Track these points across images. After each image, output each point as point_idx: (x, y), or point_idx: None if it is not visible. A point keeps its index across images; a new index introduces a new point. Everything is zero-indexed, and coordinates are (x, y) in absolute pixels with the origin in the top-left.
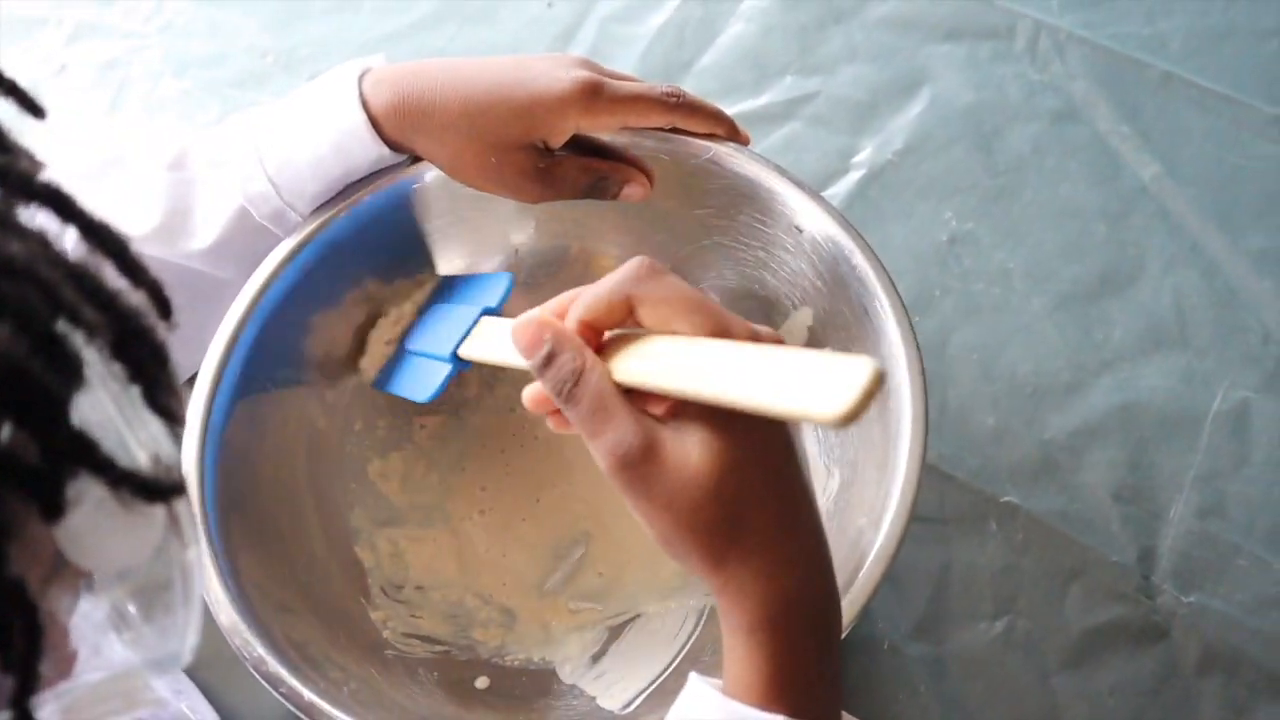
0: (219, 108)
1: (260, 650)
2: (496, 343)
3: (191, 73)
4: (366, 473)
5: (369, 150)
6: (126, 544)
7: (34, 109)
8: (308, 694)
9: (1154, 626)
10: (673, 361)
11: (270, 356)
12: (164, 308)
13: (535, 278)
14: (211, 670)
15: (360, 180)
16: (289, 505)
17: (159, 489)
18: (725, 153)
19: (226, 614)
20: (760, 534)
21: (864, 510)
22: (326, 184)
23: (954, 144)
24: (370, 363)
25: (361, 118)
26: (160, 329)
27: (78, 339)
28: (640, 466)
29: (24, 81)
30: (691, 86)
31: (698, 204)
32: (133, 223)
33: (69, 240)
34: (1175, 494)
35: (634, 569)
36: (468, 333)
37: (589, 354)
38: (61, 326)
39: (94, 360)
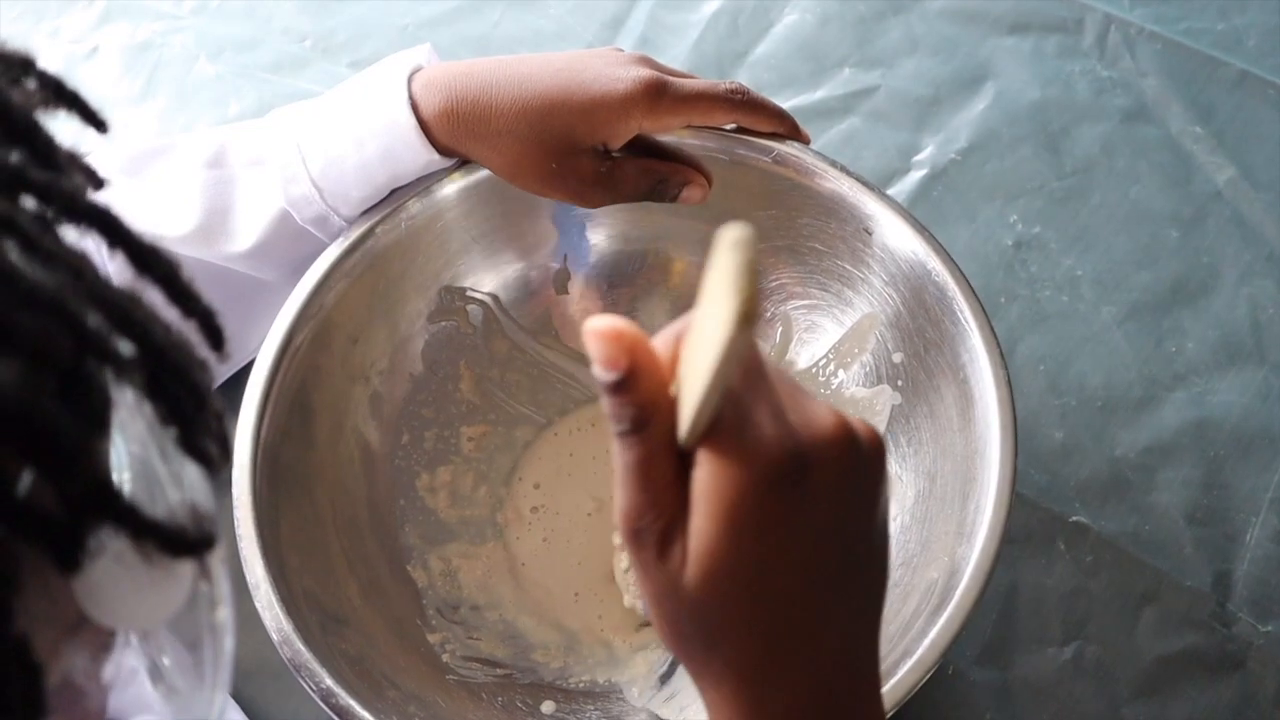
0: (255, 94)
1: (307, 656)
2: None
3: (226, 56)
4: (415, 488)
5: (418, 156)
6: (150, 600)
7: (98, 123)
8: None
9: (1229, 656)
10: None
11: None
12: (215, 338)
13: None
14: (250, 682)
15: (408, 185)
16: (345, 517)
17: (187, 542)
18: (790, 153)
19: (274, 618)
20: (736, 664)
21: (947, 528)
22: (373, 189)
23: (1020, 143)
24: None
25: (411, 122)
26: (203, 366)
27: (106, 377)
28: (640, 550)
29: (54, 64)
30: (745, 78)
31: (762, 205)
32: (172, 222)
33: (117, 263)
34: (1252, 516)
35: None
36: None
37: (661, 412)
38: (90, 364)
39: (126, 400)
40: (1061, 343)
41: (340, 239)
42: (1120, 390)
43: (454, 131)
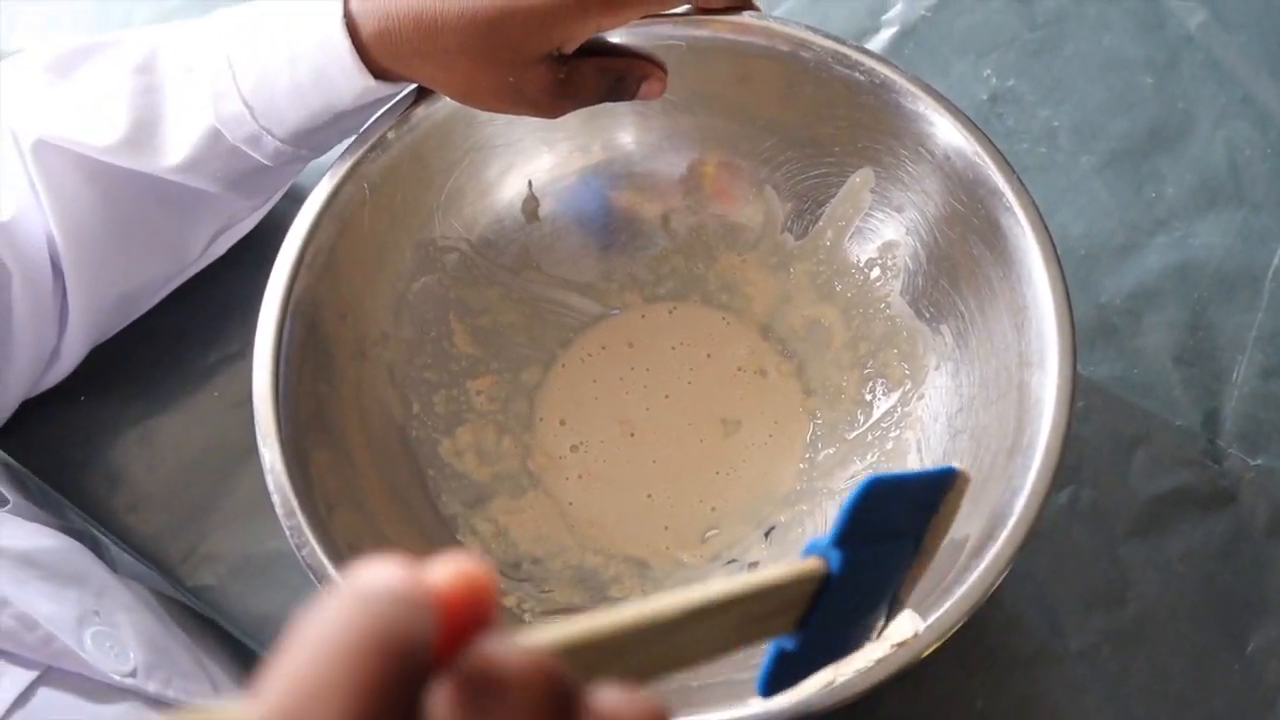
0: None
1: None
2: None
3: None
4: (440, 455)
5: (353, 82)
6: None
7: None
8: None
9: (1221, 491)
10: None
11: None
12: None
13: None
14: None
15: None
16: (388, 500)
17: None
18: (751, 25)
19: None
20: None
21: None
22: (308, 113)
23: None
24: None
25: (346, 44)
26: None
27: None
28: None
29: None
30: None
31: (744, 82)
32: (98, 131)
33: None
34: (1238, 354)
35: (746, 486)
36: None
37: None
38: None
39: None
40: (1042, 194)
41: (306, 209)
42: (1102, 238)
43: (397, 53)
